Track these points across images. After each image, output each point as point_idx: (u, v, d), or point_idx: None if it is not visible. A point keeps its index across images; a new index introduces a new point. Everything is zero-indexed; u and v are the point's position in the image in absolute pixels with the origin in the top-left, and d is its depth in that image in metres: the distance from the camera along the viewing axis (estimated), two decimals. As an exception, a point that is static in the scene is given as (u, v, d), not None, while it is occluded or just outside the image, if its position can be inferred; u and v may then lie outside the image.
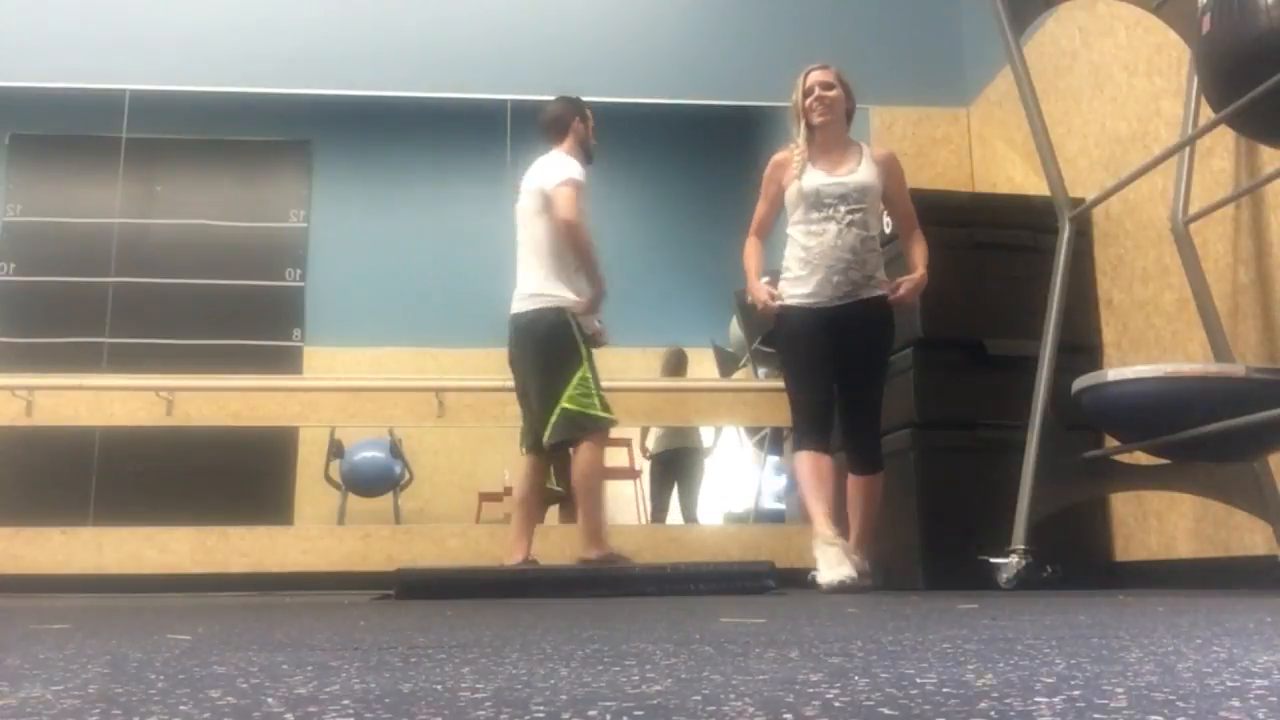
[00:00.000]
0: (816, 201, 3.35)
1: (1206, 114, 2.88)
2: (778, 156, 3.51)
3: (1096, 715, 0.61)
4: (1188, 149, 3.19)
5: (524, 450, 3.70)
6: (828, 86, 3.44)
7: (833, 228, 3.33)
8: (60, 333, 5.10)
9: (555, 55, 5.14)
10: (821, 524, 3.21)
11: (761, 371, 5.29)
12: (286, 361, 5.23)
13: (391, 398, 4.83)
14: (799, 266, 3.37)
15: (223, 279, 5.31)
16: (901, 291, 3.34)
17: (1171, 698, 0.68)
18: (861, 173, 3.38)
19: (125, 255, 5.12)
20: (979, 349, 3.67)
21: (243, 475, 5.10)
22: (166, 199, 5.43)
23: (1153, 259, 3.53)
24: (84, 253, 5.14)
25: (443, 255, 5.64)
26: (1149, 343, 3.55)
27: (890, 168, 3.46)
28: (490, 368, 5.06)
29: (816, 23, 5.23)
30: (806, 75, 3.49)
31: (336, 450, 5.36)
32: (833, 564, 3.13)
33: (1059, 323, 3.13)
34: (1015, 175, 4.65)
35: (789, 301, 3.38)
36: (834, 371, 3.35)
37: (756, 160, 6.21)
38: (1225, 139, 3.13)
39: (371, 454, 5.43)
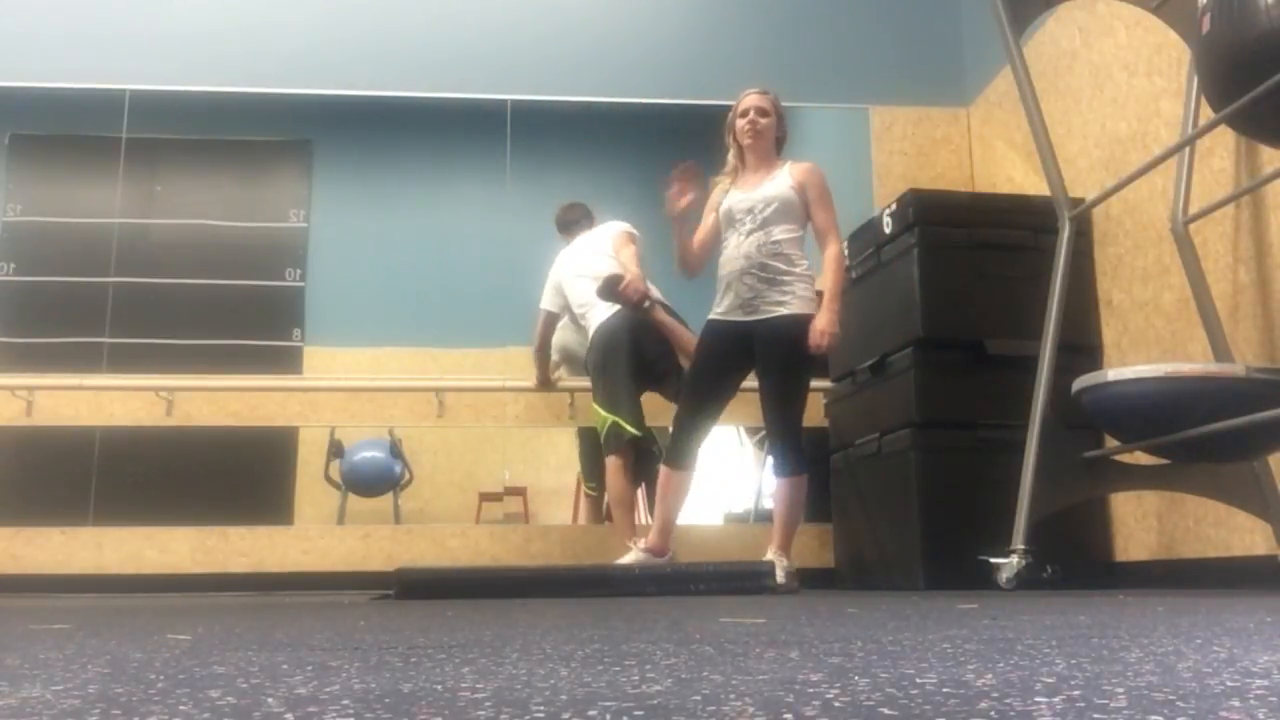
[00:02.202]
0: (729, 219, 3.52)
1: (1206, 114, 2.88)
2: (717, 185, 3.65)
3: (1096, 715, 0.61)
4: (1188, 149, 3.19)
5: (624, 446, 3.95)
6: (762, 113, 3.56)
7: (734, 239, 3.49)
8: (60, 333, 5.09)
9: (555, 55, 5.14)
10: (654, 535, 3.52)
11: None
12: (286, 361, 5.22)
13: (391, 398, 4.83)
14: (718, 283, 3.55)
15: (223, 279, 5.31)
16: (813, 349, 3.38)
17: (1171, 698, 0.68)
18: (770, 186, 3.48)
19: (125, 255, 5.11)
20: (979, 349, 3.67)
21: (243, 475, 5.09)
22: (166, 199, 5.42)
23: (1153, 259, 3.53)
24: (84, 253, 5.14)
25: (443, 255, 5.63)
26: (1149, 343, 3.55)
27: (807, 179, 3.50)
28: (490, 368, 5.06)
29: (816, 23, 5.23)
30: (744, 98, 3.61)
31: (336, 450, 5.36)
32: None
33: (1059, 323, 3.13)
34: (1015, 175, 4.65)
35: (710, 315, 3.56)
36: (733, 382, 3.54)
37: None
38: (1225, 139, 3.13)
39: (371, 454, 5.42)
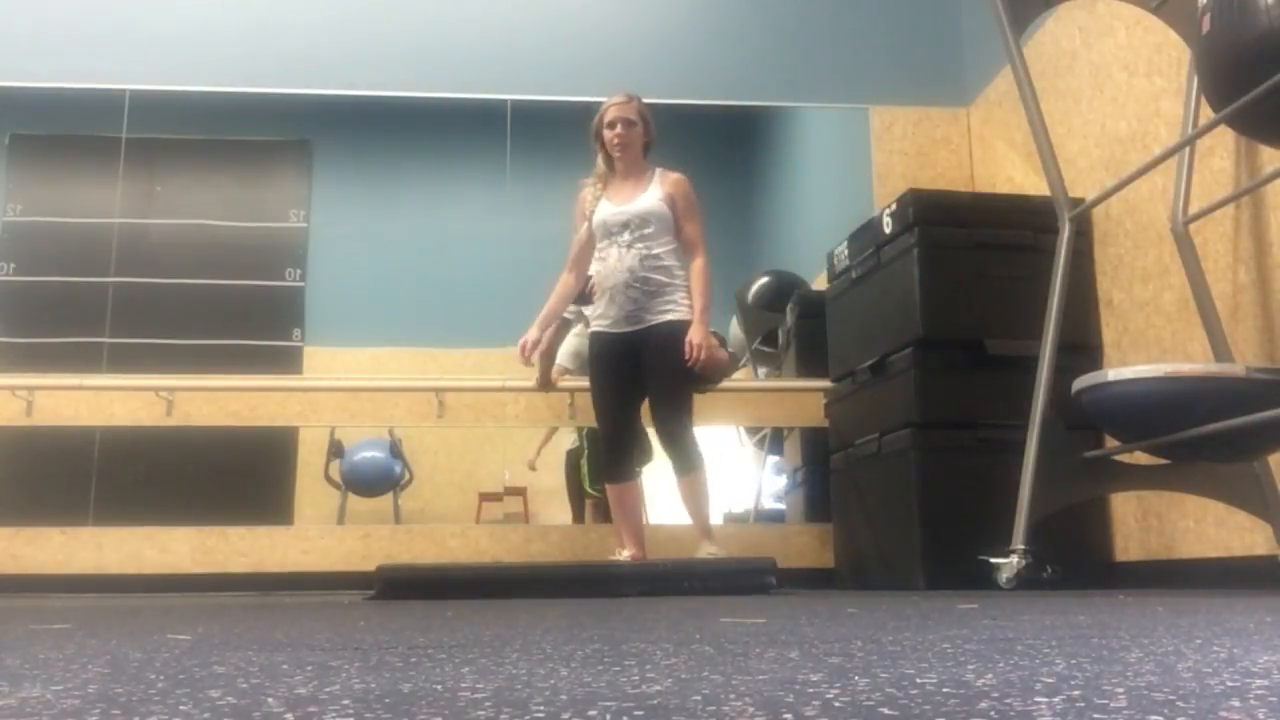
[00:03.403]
0: (604, 231, 3.58)
1: (1206, 114, 2.88)
2: (581, 193, 3.70)
3: (1096, 715, 0.61)
4: (1188, 149, 3.19)
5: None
6: (628, 124, 3.60)
7: (615, 251, 3.55)
8: (60, 333, 5.09)
9: (555, 55, 5.14)
10: (631, 545, 3.56)
11: (761, 371, 5.30)
12: (286, 361, 5.23)
13: (391, 398, 4.83)
14: (596, 293, 3.62)
15: (223, 279, 5.31)
16: (689, 363, 3.47)
17: (1171, 698, 0.68)
18: (643, 200, 3.56)
19: (125, 255, 5.11)
20: (979, 349, 3.67)
21: (243, 475, 5.10)
22: (166, 199, 5.42)
23: (1153, 259, 3.53)
24: (84, 253, 5.14)
25: (443, 255, 5.63)
26: (1149, 343, 3.55)
27: (676, 191, 3.60)
28: (490, 368, 5.06)
29: (816, 22, 5.23)
30: (607, 107, 3.64)
31: (336, 450, 5.36)
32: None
33: (1059, 323, 3.13)
34: (1015, 175, 4.65)
35: (593, 328, 3.64)
36: (637, 390, 3.59)
37: (758, 160, 6.23)
38: (1225, 139, 3.13)
39: (371, 454, 5.43)
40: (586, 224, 3.63)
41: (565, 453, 5.40)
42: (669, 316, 3.51)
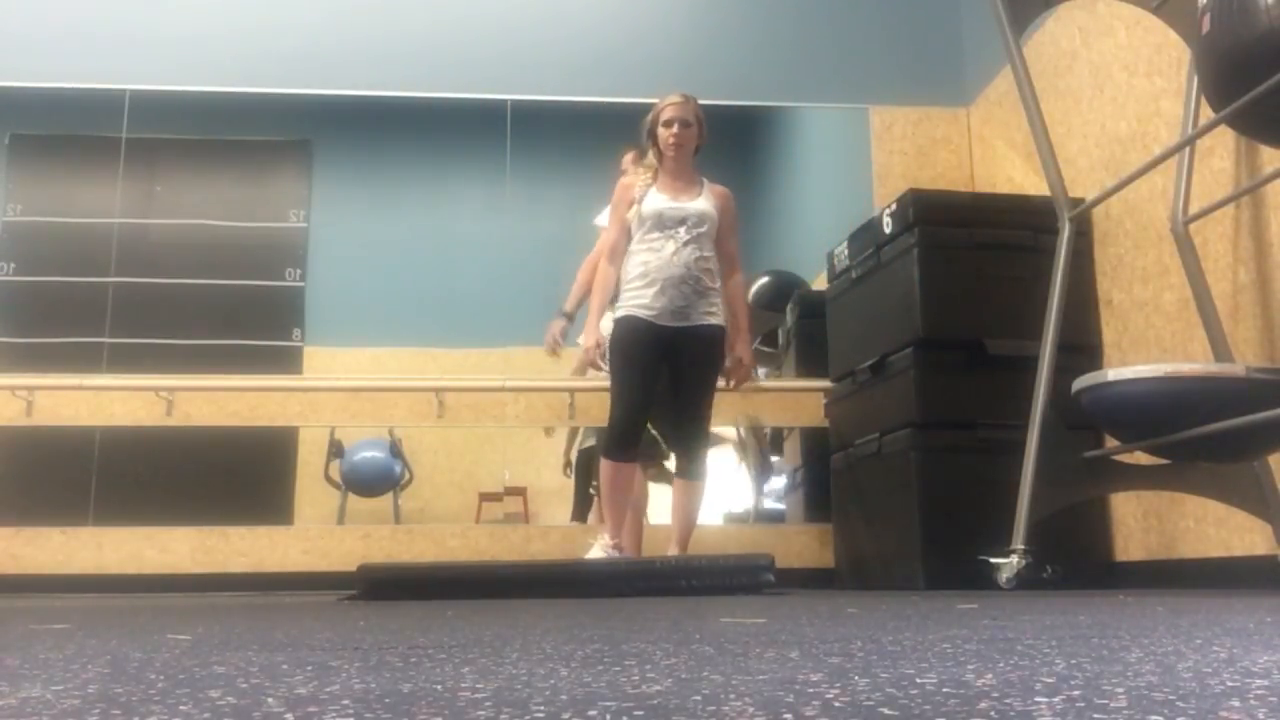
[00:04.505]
0: (658, 223, 3.57)
1: (1206, 114, 2.88)
2: (625, 180, 3.72)
3: (1096, 715, 0.61)
4: (1188, 149, 3.19)
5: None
6: (685, 125, 3.61)
7: (670, 245, 3.55)
8: (60, 333, 5.09)
9: (555, 55, 5.14)
10: (614, 531, 3.49)
11: (762, 371, 5.30)
12: (286, 361, 5.23)
13: (391, 398, 4.83)
14: (639, 280, 3.57)
15: (223, 279, 5.31)
16: (734, 385, 3.69)
17: (1171, 698, 0.68)
18: (701, 202, 3.60)
19: (125, 255, 5.11)
20: (979, 349, 3.67)
21: (243, 475, 5.09)
22: (166, 199, 5.42)
23: (1153, 259, 3.53)
24: (84, 253, 5.14)
25: (443, 255, 5.63)
26: (1149, 343, 3.55)
27: (726, 205, 3.67)
28: (490, 368, 5.06)
29: (816, 23, 5.23)
30: (665, 106, 3.65)
31: (336, 450, 5.36)
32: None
33: (1059, 323, 3.13)
34: (1015, 175, 4.65)
35: (628, 311, 3.57)
36: (662, 387, 3.60)
37: (758, 160, 6.23)
38: (1225, 139, 3.13)
39: (371, 454, 5.43)
40: (636, 208, 3.60)
41: (579, 451, 5.39)
42: (710, 320, 3.56)
